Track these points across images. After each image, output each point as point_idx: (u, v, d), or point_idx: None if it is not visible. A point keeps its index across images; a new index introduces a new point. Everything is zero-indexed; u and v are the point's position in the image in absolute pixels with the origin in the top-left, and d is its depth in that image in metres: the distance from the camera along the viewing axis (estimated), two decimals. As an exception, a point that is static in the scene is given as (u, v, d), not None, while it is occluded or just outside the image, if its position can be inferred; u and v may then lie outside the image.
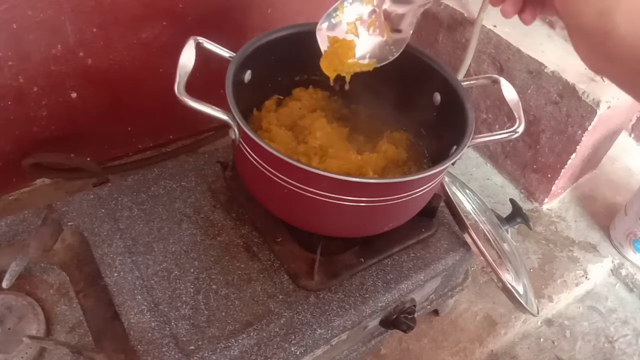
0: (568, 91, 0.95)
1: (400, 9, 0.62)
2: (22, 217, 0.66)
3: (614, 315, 1.01)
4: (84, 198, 0.70)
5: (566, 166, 1.03)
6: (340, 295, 0.65)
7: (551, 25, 1.07)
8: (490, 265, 0.70)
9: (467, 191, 0.86)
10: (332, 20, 0.65)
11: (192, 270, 0.65)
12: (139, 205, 0.70)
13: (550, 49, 1.01)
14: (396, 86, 0.74)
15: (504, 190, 1.14)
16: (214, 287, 0.63)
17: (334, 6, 0.64)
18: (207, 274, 0.65)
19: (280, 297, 0.64)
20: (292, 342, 0.60)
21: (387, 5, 0.62)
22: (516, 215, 0.84)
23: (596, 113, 0.93)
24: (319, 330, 0.62)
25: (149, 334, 0.58)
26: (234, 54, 0.62)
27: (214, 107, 0.56)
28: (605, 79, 0.97)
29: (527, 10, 0.46)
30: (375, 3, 0.63)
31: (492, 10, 1.04)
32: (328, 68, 0.65)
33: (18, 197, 0.82)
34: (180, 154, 0.87)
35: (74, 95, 0.75)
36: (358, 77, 0.76)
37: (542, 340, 0.95)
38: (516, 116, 0.66)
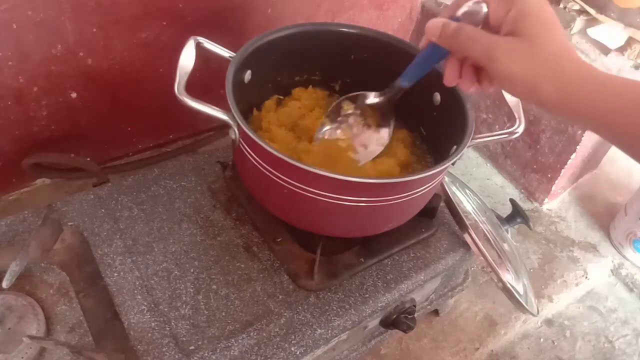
0: (568, 91, 0.95)
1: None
2: (22, 217, 0.66)
3: (614, 315, 1.01)
4: (84, 198, 0.70)
5: (566, 166, 1.03)
6: (340, 295, 0.65)
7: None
8: (490, 265, 0.70)
9: (467, 191, 0.86)
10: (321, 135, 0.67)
11: (192, 270, 0.65)
12: (139, 205, 0.70)
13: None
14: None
15: (504, 190, 1.14)
16: (214, 287, 0.63)
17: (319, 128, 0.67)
18: (207, 274, 0.65)
19: (280, 297, 0.64)
20: (292, 342, 0.60)
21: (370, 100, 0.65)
22: (516, 215, 0.84)
23: (596, 113, 0.92)
24: (319, 330, 0.62)
25: (149, 334, 0.58)
26: (234, 54, 0.62)
27: (214, 107, 0.56)
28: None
29: (465, 79, 0.50)
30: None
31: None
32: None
33: (18, 197, 0.82)
34: (180, 154, 0.87)
35: (74, 95, 0.75)
36: (358, 77, 0.76)
37: (542, 340, 0.95)
38: (516, 116, 0.66)
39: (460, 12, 0.46)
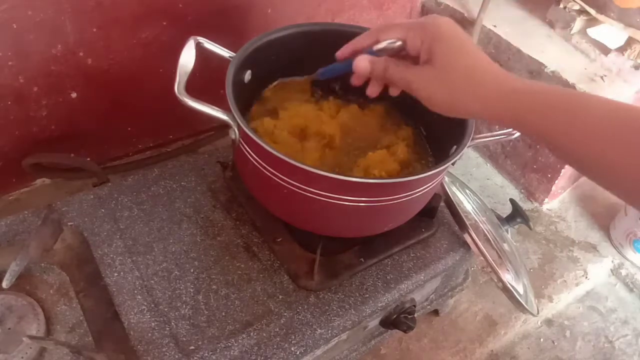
0: (568, 91, 0.95)
1: None
2: (22, 217, 0.66)
3: (614, 315, 1.01)
4: (84, 198, 0.70)
5: (566, 166, 1.03)
6: (340, 295, 0.65)
7: (551, 25, 1.07)
8: (490, 265, 0.70)
9: (467, 191, 0.86)
10: None
11: (192, 270, 0.65)
12: (139, 205, 0.70)
13: (550, 49, 1.01)
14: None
15: (504, 190, 1.14)
16: (214, 287, 0.63)
17: None
18: (207, 274, 0.65)
19: (280, 297, 0.64)
20: (292, 342, 0.60)
21: None
22: (516, 215, 0.84)
23: (596, 113, 0.92)
24: (319, 330, 0.62)
25: (149, 334, 0.58)
26: (234, 54, 0.62)
27: (214, 107, 0.56)
28: (605, 79, 0.97)
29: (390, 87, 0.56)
30: None
31: (492, 10, 1.04)
32: None
33: (18, 197, 0.82)
34: (180, 154, 0.87)
35: (74, 95, 0.75)
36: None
37: (542, 340, 0.95)
38: (516, 116, 0.66)
39: (377, 47, 0.52)
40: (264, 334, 0.60)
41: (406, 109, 0.76)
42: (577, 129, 0.41)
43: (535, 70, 0.98)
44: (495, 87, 0.46)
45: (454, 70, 0.47)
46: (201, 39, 0.60)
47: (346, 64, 0.56)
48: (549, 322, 0.98)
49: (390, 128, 0.75)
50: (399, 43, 0.51)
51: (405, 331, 0.70)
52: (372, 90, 0.56)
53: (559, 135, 0.42)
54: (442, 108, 0.49)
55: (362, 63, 0.53)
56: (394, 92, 0.56)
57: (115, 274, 0.62)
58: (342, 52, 0.57)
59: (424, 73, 0.49)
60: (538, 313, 0.86)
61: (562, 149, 0.43)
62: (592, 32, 1.00)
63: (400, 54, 0.52)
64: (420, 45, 0.49)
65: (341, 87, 0.78)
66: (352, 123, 0.73)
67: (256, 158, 0.57)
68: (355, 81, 0.56)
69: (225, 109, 0.56)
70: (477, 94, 0.47)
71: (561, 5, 1.03)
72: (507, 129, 0.61)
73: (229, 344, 0.59)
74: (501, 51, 1.03)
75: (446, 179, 0.77)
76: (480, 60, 0.47)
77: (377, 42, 0.53)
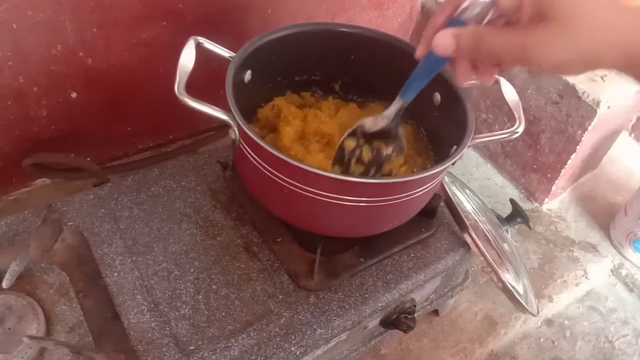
0: (568, 91, 0.95)
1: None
2: (22, 217, 0.66)
3: (614, 315, 1.01)
4: (84, 198, 0.70)
5: (566, 166, 1.03)
6: (340, 295, 0.65)
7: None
8: (490, 265, 0.70)
9: (467, 191, 0.86)
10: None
11: (192, 270, 0.65)
12: (139, 205, 0.70)
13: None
14: (396, 87, 0.74)
15: (504, 190, 1.14)
16: (214, 287, 0.63)
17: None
18: (207, 274, 0.65)
19: (280, 297, 0.64)
20: (292, 342, 0.60)
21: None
22: (516, 215, 0.84)
23: (596, 113, 0.93)
24: (319, 330, 0.62)
25: (149, 334, 0.58)
26: (234, 54, 0.62)
27: (214, 107, 0.56)
28: (605, 79, 0.97)
29: (483, 72, 0.44)
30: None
31: (492, 10, 1.03)
32: None
33: (18, 197, 0.82)
34: (180, 154, 0.87)
35: (74, 95, 0.75)
36: (358, 77, 0.76)
37: (542, 340, 0.95)
38: (516, 116, 0.66)
39: (462, 7, 0.40)
40: (264, 334, 0.60)
41: (406, 109, 0.76)
42: None
43: (536, 70, 0.98)
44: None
45: (585, 19, 0.36)
46: (201, 39, 0.60)
47: (429, 63, 0.45)
48: (549, 322, 0.98)
49: None
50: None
51: (405, 331, 0.70)
52: (463, 75, 0.43)
53: None
54: (572, 71, 0.38)
55: (442, 40, 0.40)
56: (487, 79, 0.43)
57: (115, 274, 0.62)
58: (420, 49, 0.45)
59: (543, 35, 0.37)
60: (538, 313, 0.86)
61: None
62: (592, 32, 1.00)
63: (491, 20, 0.40)
64: (515, 2, 0.38)
65: (341, 87, 0.78)
66: (351, 122, 0.73)
67: (256, 158, 0.57)
68: (459, 80, 0.44)
69: (225, 109, 0.56)
70: (619, 42, 0.36)
71: (561, 5, 1.02)
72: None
73: (229, 344, 0.59)
74: (501, 51, 1.02)
75: (446, 179, 0.77)
76: (607, 1, 0.37)
77: (457, 7, 0.41)
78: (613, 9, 0.37)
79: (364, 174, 0.62)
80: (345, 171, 0.62)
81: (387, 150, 0.61)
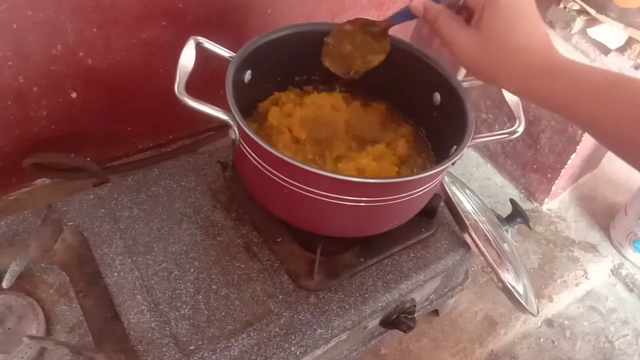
0: (568, 91, 0.95)
1: None
2: (22, 217, 0.66)
3: (614, 315, 1.01)
4: (84, 198, 0.70)
5: (566, 166, 1.03)
6: (340, 295, 0.65)
7: (551, 25, 1.07)
8: (490, 265, 0.70)
9: (467, 191, 0.86)
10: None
11: (192, 270, 0.65)
12: (139, 205, 0.70)
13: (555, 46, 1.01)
14: (396, 86, 0.74)
15: (504, 190, 1.14)
16: (214, 287, 0.63)
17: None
18: (207, 274, 0.65)
19: (280, 297, 0.64)
20: (292, 342, 0.60)
21: None
22: (516, 215, 0.84)
23: (596, 113, 0.92)
24: (319, 330, 0.62)
25: (149, 334, 0.58)
26: (234, 54, 0.62)
27: (214, 107, 0.56)
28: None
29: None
30: None
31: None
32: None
33: (18, 197, 0.82)
34: (180, 154, 0.87)
35: (74, 95, 0.75)
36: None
37: (542, 340, 0.95)
38: (516, 116, 0.66)
39: None
40: (264, 334, 0.60)
41: (407, 109, 0.77)
42: (623, 115, 0.40)
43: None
44: (536, 68, 0.44)
45: (496, 42, 0.46)
46: (201, 39, 0.60)
47: (408, 10, 0.55)
48: (549, 322, 0.98)
49: (391, 126, 0.75)
50: None
51: (405, 331, 0.70)
52: (426, 31, 0.56)
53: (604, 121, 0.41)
54: (478, 76, 0.49)
55: (416, 3, 0.52)
56: (440, 45, 0.54)
57: (115, 274, 0.62)
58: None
59: (469, 35, 0.47)
60: (538, 313, 0.86)
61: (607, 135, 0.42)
62: (592, 32, 1.00)
63: (459, 8, 0.51)
64: (478, 2, 0.47)
65: (342, 87, 0.78)
66: (353, 120, 0.73)
67: (256, 158, 0.57)
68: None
69: (225, 109, 0.56)
70: (515, 73, 0.45)
71: (561, 5, 1.03)
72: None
73: (229, 344, 0.59)
74: (501, 51, 1.02)
75: (446, 179, 0.77)
76: (527, 37, 0.45)
77: None
78: (524, 50, 0.45)
79: (349, 57, 0.67)
80: (335, 48, 0.67)
81: (374, 45, 0.67)
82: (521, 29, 0.45)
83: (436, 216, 0.74)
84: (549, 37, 0.46)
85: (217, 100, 0.56)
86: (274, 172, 0.56)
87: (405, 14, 0.57)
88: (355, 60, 0.67)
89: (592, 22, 1.02)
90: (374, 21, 0.65)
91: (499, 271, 0.71)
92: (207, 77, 0.65)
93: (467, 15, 0.50)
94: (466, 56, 0.48)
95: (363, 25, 0.66)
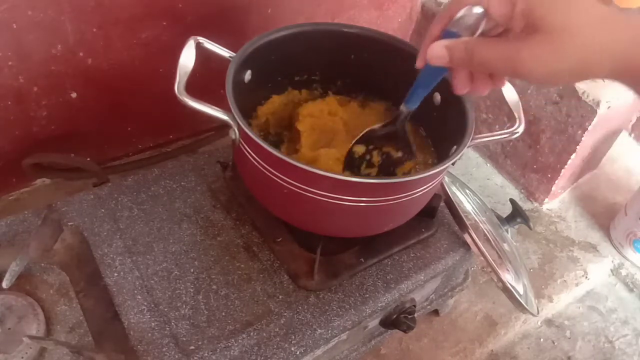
0: (568, 91, 0.95)
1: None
2: (22, 217, 0.66)
3: (614, 315, 1.01)
4: (84, 198, 0.70)
5: (566, 166, 1.03)
6: (340, 295, 0.65)
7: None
8: (490, 265, 0.70)
9: (467, 191, 0.86)
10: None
11: (192, 270, 0.65)
12: (139, 205, 0.70)
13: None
14: (396, 86, 0.74)
15: (504, 190, 1.14)
16: (214, 287, 0.63)
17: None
18: (207, 274, 0.65)
19: (280, 297, 0.64)
20: (292, 342, 0.60)
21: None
22: (516, 215, 0.84)
23: (596, 113, 0.93)
24: (319, 330, 0.62)
25: (149, 334, 0.58)
26: (234, 54, 0.62)
27: (214, 107, 0.56)
28: (605, 79, 0.97)
29: (478, 83, 0.45)
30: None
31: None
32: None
33: (18, 197, 0.82)
34: (180, 154, 0.87)
35: (74, 95, 0.75)
36: (358, 77, 0.76)
37: (542, 340, 0.95)
38: (516, 116, 0.66)
39: (454, 20, 0.41)
40: (264, 334, 0.60)
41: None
42: None
43: (525, 80, 0.98)
44: (629, 34, 0.37)
45: (574, 29, 0.37)
46: (201, 39, 0.60)
47: (428, 73, 0.46)
48: (549, 322, 0.98)
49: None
50: (481, 10, 0.39)
51: (405, 331, 0.70)
52: (460, 84, 0.44)
53: None
54: (561, 81, 0.40)
55: (436, 51, 0.41)
56: (483, 89, 0.44)
57: (115, 274, 0.62)
58: (419, 59, 0.46)
59: (533, 47, 0.38)
60: (538, 313, 0.86)
61: None
62: (592, 32, 1.00)
63: (483, 32, 0.41)
64: (511, 11, 0.38)
65: (342, 87, 0.78)
66: (352, 121, 0.73)
67: (256, 158, 0.57)
68: (456, 89, 0.45)
69: (225, 109, 0.56)
70: (608, 51, 0.37)
71: (561, 5, 1.02)
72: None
73: (229, 344, 0.59)
74: (501, 51, 1.02)
75: (446, 179, 0.77)
76: (597, 10, 0.38)
77: (452, 18, 0.41)
78: (603, 21, 0.37)
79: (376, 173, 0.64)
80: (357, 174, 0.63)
81: (397, 154, 0.62)
82: (584, 4, 0.37)
83: (436, 216, 0.74)
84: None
85: (217, 100, 0.56)
86: (274, 172, 0.56)
87: (425, 80, 0.47)
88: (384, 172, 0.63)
89: (592, 22, 1.01)
90: (386, 129, 0.59)
91: (499, 271, 0.71)
92: (207, 77, 0.65)
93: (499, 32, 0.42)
94: (545, 67, 0.38)
95: (376, 138, 0.60)
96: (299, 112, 0.71)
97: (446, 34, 0.42)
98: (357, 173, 0.64)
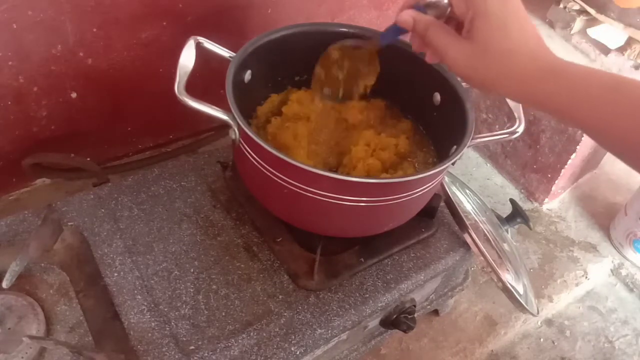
0: (568, 91, 0.95)
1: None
2: (22, 217, 0.66)
3: (614, 315, 1.01)
4: (84, 198, 0.70)
5: (566, 166, 1.03)
6: (340, 295, 0.65)
7: (551, 25, 1.07)
8: (490, 265, 0.70)
9: (467, 191, 0.86)
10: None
11: (192, 270, 0.65)
12: (139, 205, 0.70)
13: (550, 48, 1.01)
14: (396, 86, 0.74)
15: (504, 190, 1.14)
16: (214, 287, 0.63)
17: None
18: (207, 274, 0.65)
19: (280, 297, 0.64)
20: (292, 342, 0.60)
21: None
22: (516, 215, 0.84)
23: (596, 113, 0.92)
24: (319, 330, 0.62)
25: (149, 334, 0.58)
26: (234, 54, 0.62)
27: (214, 107, 0.56)
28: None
29: (428, 53, 0.53)
30: None
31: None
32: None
33: (18, 197, 0.82)
34: (180, 154, 0.87)
35: (74, 95, 0.75)
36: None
37: (542, 340, 0.95)
38: (516, 116, 0.66)
39: (424, 1, 0.50)
40: (264, 334, 0.60)
41: (407, 109, 0.77)
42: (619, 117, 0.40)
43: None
44: (532, 72, 0.44)
45: (491, 50, 0.45)
46: (201, 39, 0.60)
47: (396, 27, 0.54)
48: (549, 322, 0.98)
49: (390, 122, 0.75)
50: (445, 1, 0.49)
51: (405, 331, 0.70)
52: (415, 45, 0.53)
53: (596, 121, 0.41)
54: (475, 85, 0.48)
55: (404, 17, 0.50)
56: (430, 58, 0.53)
57: (115, 274, 0.62)
58: (399, 12, 0.54)
59: (462, 47, 0.46)
60: (538, 313, 0.86)
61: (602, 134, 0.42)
62: (592, 32, 1.00)
63: (447, 18, 0.50)
64: (465, 12, 0.46)
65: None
66: (351, 120, 0.73)
67: (256, 158, 0.57)
68: (413, 47, 0.54)
69: (225, 109, 0.56)
70: (512, 79, 0.44)
71: (561, 5, 1.03)
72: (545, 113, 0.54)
73: (229, 344, 0.59)
74: (501, 51, 1.02)
75: (446, 179, 0.77)
76: (520, 41, 0.45)
77: None
78: (519, 54, 0.44)
79: (340, 83, 0.66)
80: (326, 77, 0.66)
81: (364, 68, 0.66)
82: (513, 33, 0.45)
83: (436, 216, 0.74)
84: (542, 40, 0.46)
85: (217, 100, 0.56)
86: (274, 172, 0.56)
87: (394, 31, 0.56)
88: (347, 86, 0.67)
89: (592, 22, 1.02)
90: (360, 45, 0.63)
91: (499, 271, 0.71)
92: (207, 77, 0.65)
93: (455, 25, 0.49)
94: (461, 67, 0.47)
95: (350, 50, 0.64)
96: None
97: (417, 6, 0.51)
98: (327, 76, 0.66)
